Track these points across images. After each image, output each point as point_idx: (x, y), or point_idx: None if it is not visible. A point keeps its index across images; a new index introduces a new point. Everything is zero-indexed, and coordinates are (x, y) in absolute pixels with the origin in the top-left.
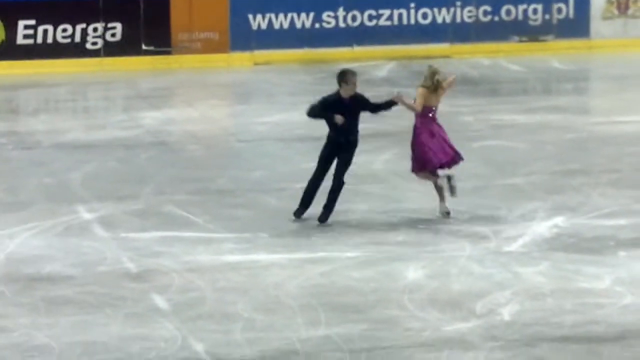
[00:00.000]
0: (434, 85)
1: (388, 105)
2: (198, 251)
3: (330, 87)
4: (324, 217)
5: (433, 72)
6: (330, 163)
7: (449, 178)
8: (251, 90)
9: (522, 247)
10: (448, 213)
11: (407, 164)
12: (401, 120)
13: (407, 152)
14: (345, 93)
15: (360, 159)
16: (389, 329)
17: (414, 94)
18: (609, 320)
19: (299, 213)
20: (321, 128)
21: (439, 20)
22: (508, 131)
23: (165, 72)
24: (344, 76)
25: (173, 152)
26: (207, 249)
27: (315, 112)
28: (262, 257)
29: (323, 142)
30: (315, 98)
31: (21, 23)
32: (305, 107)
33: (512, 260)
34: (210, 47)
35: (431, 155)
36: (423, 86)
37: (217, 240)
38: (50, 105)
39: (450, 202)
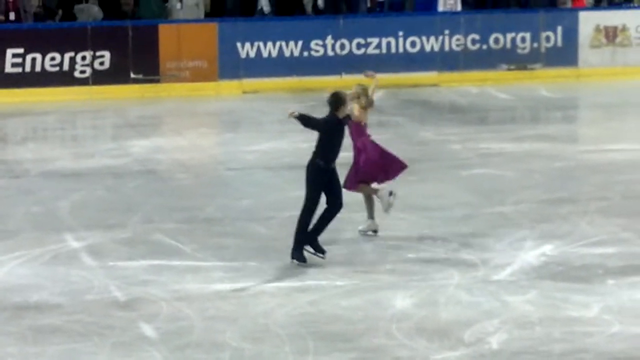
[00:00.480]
0: (367, 103)
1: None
2: (186, 280)
3: (318, 116)
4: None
5: (365, 90)
6: None
7: (390, 193)
8: (240, 118)
9: (511, 275)
10: (375, 231)
11: (395, 191)
12: (387, 148)
13: (395, 179)
14: (343, 114)
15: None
16: (377, 358)
17: (400, 120)
18: (598, 349)
19: (302, 257)
20: (309, 157)
21: (427, 48)
22: (496, 159)
23: (154, 100)
24: (343, 98)
25: (161, 180)
26: (196, 277)
27: (312, 121)
28: (251, 285)
29: None
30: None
31: (9, 51)
32: (293, 135)
33: (501, 288)
34: (198, 76)
35: (380, 170)
36: (359, 105)
37: (205, 268)
38: (39, 133)
39: (437, 231)
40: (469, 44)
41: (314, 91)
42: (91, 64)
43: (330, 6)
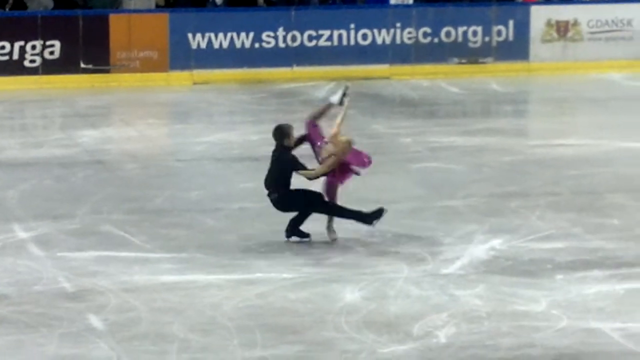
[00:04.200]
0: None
1: None
2: (134, 271)
3: (268, 108)
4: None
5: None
6: None
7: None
8: (190, 109)
9: (460, 269)
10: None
11: (344, 184)
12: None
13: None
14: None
15: (297, 181)
16: (325, 351)
17: (351, 113)
18: (545, 344)
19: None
20: (259, 148)
21: (379, 41)
22: (446, 153)
23: (104, 90)
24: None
25: (110, 171)
26: (144, 269)
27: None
28: (199, 277)
29: (262, 162)
30: (254, 118)
31: None
32: (243, 127)
33: (449, 282)
34: (149, 66)
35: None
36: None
37: (153, 260)
38: None
39: (387, 224)
40: (420, 37)
41: (265, 83)
42: (41, 54)
43: None
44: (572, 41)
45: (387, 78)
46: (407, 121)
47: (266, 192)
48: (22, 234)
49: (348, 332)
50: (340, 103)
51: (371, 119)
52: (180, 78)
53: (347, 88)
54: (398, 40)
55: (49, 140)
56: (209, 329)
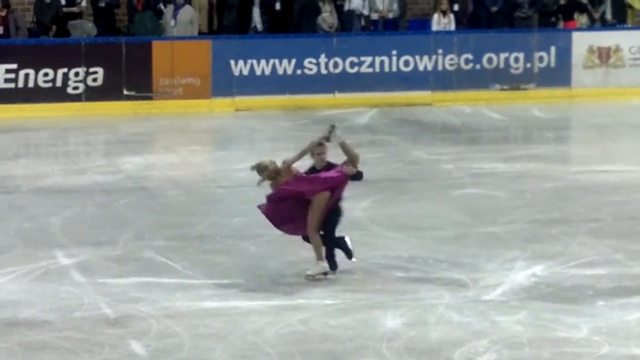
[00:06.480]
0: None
1: None
2: (176, 297)
3: (310, 134)
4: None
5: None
6: None
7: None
8: (232, 136)
9: (501, 295)
10: (326, 274)
11: (387, 211)
12: (379, 167)
13: (387, 199)
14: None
15: None
16: None
17: (392, 140)
18: None
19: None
20: None
21: (421, 67)
22: (488, 179)
23: (147, 117)
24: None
25: (153, 197)
26: (186, 295)
27: None
28: (241, 303)
29: None
30: (295, 144)
31: (2, 67)
32: (285, 153)
33: (491, 308)
34: (191, 93)
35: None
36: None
37: (195, 286)
38: (31, 149)
39: (428, 251)
40: (462, 64)
41: (307, 109)
42: (84, 80)
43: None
44: (614, 67)
45: (429, 104)
46: (448, 147)
47: None
48: (64, 260)
49: (389, 358)
50: (328, 140)
51: (413, 146)
52: (223, 105)
53: (333, 127)
54: (440, 67)
55: (92, 167)
56: (251, 355)
